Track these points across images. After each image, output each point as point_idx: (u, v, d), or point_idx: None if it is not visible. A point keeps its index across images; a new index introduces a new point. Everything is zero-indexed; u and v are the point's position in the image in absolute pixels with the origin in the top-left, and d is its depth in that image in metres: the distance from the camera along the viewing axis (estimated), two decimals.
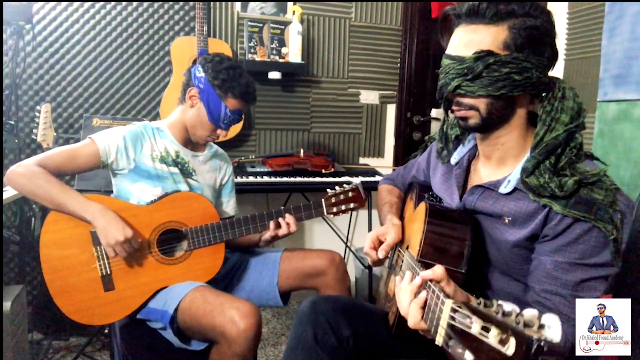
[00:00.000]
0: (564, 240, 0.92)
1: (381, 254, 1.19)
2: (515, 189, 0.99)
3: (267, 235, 1.62)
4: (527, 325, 0.56)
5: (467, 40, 0.98)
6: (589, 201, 0.89)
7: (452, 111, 1.04)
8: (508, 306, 0.62)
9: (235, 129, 2.57)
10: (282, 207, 1.59)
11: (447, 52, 1.02)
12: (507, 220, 1.00)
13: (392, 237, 1.20)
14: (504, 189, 1.01)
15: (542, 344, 0.53)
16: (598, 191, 0.90)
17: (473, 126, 1.02)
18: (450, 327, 0.67)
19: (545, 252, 0.94)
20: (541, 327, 0.56)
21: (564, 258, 0.92)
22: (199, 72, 1.54)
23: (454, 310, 0.67)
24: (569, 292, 0.91)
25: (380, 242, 1.22)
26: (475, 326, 0.61)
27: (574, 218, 0.90)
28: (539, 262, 0.96)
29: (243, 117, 1.64)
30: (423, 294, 0.82)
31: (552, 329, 0.56)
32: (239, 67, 1.56)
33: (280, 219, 1.58)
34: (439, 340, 0.70)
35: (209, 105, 1.52)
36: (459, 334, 0.64)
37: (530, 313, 0.58)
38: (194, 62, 1.58)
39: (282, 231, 1.58)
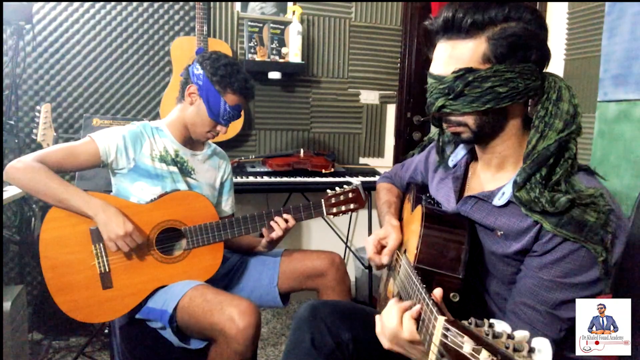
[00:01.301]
0: (551, 257, 0.90)
1: (385, 259, 1.18)
2: (509, 202, 0.97)
3: (264, 241, 1.63)
4: (516, 349, 0.55)
5: (446, 58, 0.95)
6: (580, 222, 0.87)
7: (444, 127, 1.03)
8: (499, 326, 0.60)
9: (235, 128, 2.57)
10: (282, 207, 1.59)
11: (430, 70, 0.99)
12: (499, 234, 0.98)
13: (394, 241, 1.18)
14: (498, 201, 0.98)
15: None
16: (591, 213, 0.87)
17: (466, 140, 1.01)
18: (443, 344, 0.66)
19: (532, 267, 0.93)
20: (531, 350, 0.56)
21: (548, 276, 0.90)
22: (197, 70, 1.54)
23: (446, 329, 0.66)
24: (545, 308, 0.90)
25: (382, 246, 1.21)
26: (466, 346, 0.60)
27: (563, 237, 0.88)
28: (524, 275, 0.95)
29: (242, 113, 1.65)
30: (417, 306, 0.80)
31: (542, 353, 0.55)
32: (237, 64, 1.57)
33: (271, 222, 1.57)
34: (432, 358, 0.69)
35: (208, 101, 1.53)
36: (450, 353, 0.63)
37: (520, 335, 0.57)
38: (194, 61, 1.59)
39: (277, 232, 1.57)
